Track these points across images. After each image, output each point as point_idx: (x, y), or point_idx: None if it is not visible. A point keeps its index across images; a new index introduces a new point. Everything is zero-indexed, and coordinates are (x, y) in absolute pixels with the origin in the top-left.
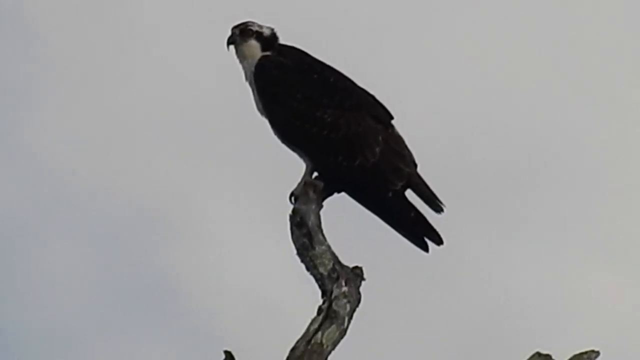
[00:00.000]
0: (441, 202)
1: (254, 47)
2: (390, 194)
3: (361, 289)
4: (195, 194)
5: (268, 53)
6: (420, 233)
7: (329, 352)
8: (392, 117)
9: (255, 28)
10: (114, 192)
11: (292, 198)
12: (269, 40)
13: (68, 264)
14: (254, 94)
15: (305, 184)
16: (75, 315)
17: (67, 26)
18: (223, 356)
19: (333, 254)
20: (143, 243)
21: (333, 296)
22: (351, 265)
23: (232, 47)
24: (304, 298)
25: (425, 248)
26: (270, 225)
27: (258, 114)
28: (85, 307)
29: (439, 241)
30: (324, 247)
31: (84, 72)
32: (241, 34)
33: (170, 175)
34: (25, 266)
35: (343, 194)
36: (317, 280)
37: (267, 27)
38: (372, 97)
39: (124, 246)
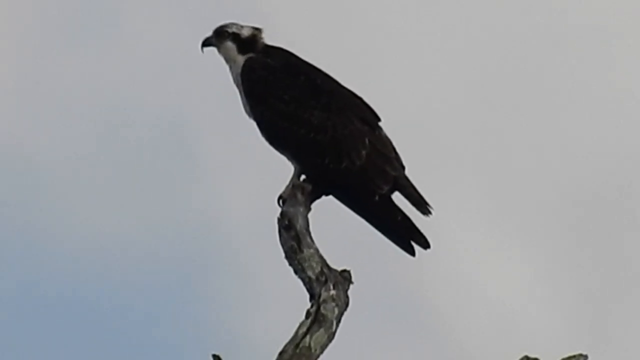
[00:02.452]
0: (429, 205)
1: (230, 49)
2: (376, 197)
3: (349, 293)
4: None
5: (252, 55)
6: (407, 237)
7: (318, 356)
8: (379, 119)
9: (232, 29)
10: None
11: (280, 201)
12: (248, 42)
13: None
14: (241, 95)
15: (293, 186)
16: None
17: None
18: None
19: (321, 257)
20: None
21: (321, 300)
22: (339, 269)
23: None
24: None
25: (412, 252)
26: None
27: (246, 116)
28: None
29: (425, 245)
30: (312, 250)
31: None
32: (217, 36)
33: None
34: None
35: (331, 196)
36: (305, 283)
37: (248, 28)
38: (360, 99)
39: None
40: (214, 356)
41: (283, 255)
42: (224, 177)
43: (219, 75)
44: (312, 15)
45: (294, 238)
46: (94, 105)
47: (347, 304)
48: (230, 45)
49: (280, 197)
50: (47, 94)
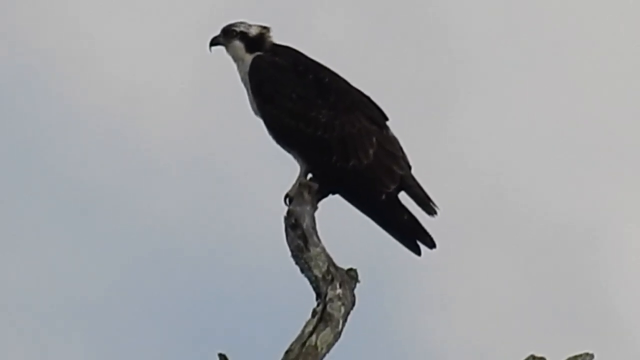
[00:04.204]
0: (435, 205)
1: (238, 48)
2: (383, 196)
3: (356, 292)
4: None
5: (260, 53)
6: (413, 236)
7: (324, 355)
8: (387, 119)
9: (240, 28)
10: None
11: (287, 199)
12: (256, 41)
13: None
14: (248, 94)
15: (300, 185)
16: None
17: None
18: (217, 359)
19: (328, 256)
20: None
21: (327, 298)
22: (346, 268)
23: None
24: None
25: (418, 251)
26: None
27: (253, 114)
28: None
29: (431, 244)
30: (318, 249)
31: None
32: (225, 35)
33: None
34: None
35: (338, 195)
36: (311, 282)
37: (256, 27)
38: (368, 98)
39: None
40: (220, 355)
41: (289, 253)
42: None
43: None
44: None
45: (300, 237)
46: None
47: (353, 303)
48: (238, 44)
49: (287, 196)
50: None
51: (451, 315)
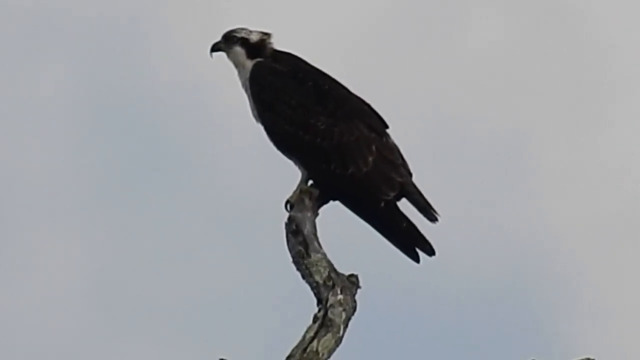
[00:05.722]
0: (436, 212)
1: (239, 54)
2: (382, 204)
3: (357, 297)
4: None
5: (261, 59)
6: (412, 244)
7: None
8: (387, 126)
9: (241, 34)
10: None
11: (288, 205)
12: (256, 47)
13: None
14: (249, 100)
15: (301, 191)
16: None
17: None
18: None
19: (329, 261)
20: None
21: (329, 304)
22: (347, 273)
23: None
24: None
25: (417, 259)
26: None
27: (253, 120)
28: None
29: (430, 252)
30: (319, 255)
31: None
32: (226, 41)
33: None
34: None
35: (338, 202)
36: (312, 288)
37: (257, 33)
38: (368, 105)
39: None
40: None
41: (290, 260)
42: None
43: None
44: None
45: (301, 243)
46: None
47: (354, 309)
48: (239, 50)
49: (287, 202)
50: None
51: (452, 317)
